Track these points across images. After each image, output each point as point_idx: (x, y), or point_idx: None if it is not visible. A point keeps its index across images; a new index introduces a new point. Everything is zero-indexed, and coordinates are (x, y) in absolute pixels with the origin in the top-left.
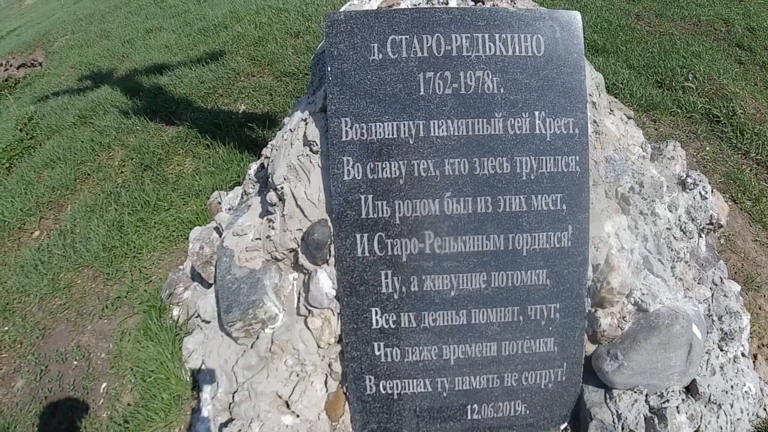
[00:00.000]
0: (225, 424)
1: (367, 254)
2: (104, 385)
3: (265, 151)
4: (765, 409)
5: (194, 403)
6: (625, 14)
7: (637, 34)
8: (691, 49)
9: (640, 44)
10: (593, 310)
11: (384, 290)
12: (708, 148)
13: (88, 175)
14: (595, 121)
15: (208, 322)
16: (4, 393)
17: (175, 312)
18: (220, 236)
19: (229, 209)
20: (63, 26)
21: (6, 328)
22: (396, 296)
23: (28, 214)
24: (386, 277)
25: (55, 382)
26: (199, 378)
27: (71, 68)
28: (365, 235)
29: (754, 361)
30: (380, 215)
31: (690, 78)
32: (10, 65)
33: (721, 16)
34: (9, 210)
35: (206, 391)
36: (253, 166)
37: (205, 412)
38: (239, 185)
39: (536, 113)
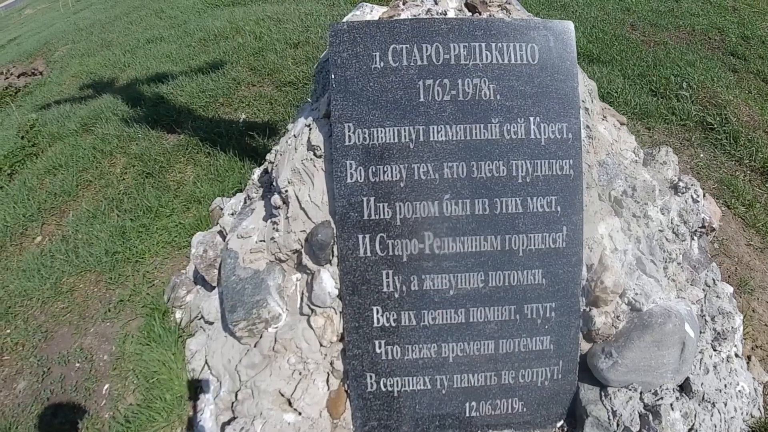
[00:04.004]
0: (228, 423)
1: (369, 254)
2: (106, 386)
3: (269, 156)
4: (759, 409)
5: (197, 402)
6: (620, 24)
7: (631, 44)
8: (685, 58)
9: (634, 54)
10: (588, 309)
11: (385, 289)
12: (702, 155)
13: (90, 181)
14: (588, 127)
15: (212, 324)
16: (6, 394)
17: (178, 315)
18: (224, 240)
19: (232, 214)
20: (63, 36)
21: (8, 331)
22: (396, 295)
23: (31, 220)
24: (387, 277)
25: (57, 383)
26: (202, 378)
27: (72, 77)
28: (367, 236)
29: (748, 362)
30: (382, 217)
31: (684, 87)
32: (11, 74)
33: (715, 25)
34: (11, 215)
35: (209, 391)
36: (257, 171)
37: (207, 411)
38: (241, 192)
39: (531, 119)
